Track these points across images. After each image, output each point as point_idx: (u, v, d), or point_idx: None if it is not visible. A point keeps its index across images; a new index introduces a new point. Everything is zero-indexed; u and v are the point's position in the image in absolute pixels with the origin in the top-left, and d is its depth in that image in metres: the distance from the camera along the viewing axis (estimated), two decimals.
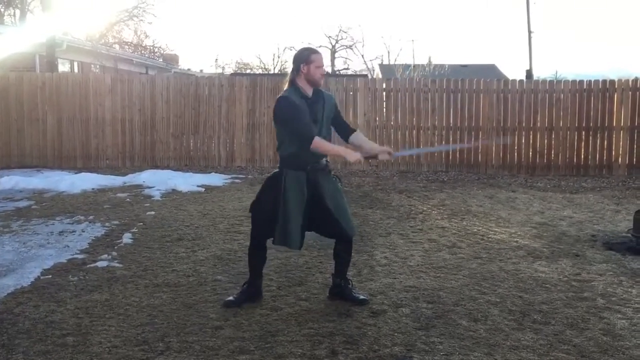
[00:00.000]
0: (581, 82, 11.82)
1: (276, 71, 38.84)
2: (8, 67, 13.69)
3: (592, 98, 11.68)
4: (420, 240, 6.28)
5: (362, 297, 4.33)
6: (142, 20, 33.74)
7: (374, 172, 11.76)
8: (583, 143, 11.73)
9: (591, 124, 11.68)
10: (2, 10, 30.44)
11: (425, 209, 8.09)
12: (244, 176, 11.14)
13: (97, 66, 20.59)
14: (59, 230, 6.63)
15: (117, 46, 31.14)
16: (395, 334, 3.79)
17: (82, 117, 12.32)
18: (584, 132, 11.72)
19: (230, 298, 4.29)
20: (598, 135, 11.69)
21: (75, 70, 18.99)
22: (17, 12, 30.42)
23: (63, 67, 17.83)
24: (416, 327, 3.90)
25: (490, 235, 6.51)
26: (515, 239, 6.35)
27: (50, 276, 4.91)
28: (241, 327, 3.86)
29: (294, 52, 4.42)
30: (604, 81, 11.81)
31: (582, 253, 5.78)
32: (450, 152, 11.93)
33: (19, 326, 3.85)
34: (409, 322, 3.98)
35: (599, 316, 4.11)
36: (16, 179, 9.87)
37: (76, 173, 10.95)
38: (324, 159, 4.21)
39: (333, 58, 44.67)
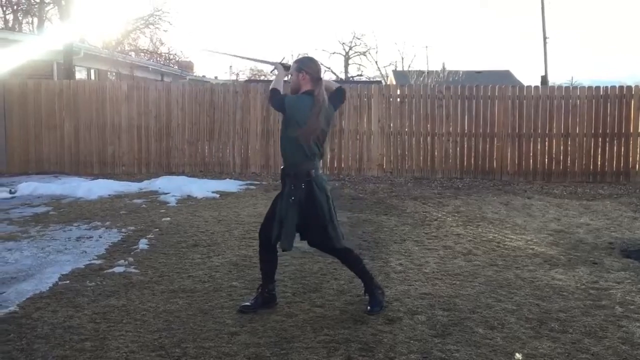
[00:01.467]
0: (597, 88, 11.72)
1: None
2: (26, 75, 13.88)
3: (609, 104, 11.59)
4: (436, 247, 6.26)
5: (376, 307, 4.27)
6: (158, 28, 34.15)
7: (389, 178, 11.75)
8: (600, 149, 11.64)
9: (608, 131, 11.59)
10: (21, 18, 30.93)
11: (440, 215, 8.06)
12: (258, 182, 11.18)
13: (114, 73, 20.81)
14: (77, 236, 6.69)
15: (133, 54, 31.46)
16: (411, 341, 3.78)
17: (99, 123, 12.47)
18: (600, 139, 11.63)
19: (246, 304, 4.32)
20: (615, 141, 11.59)
21: (92, 77, 19.21)
22: (35, 20, 30.91)
23: (80, 74, 18.04)
24: (432, 334, 3.89)
25: (506, 243, 6.47)
26: (531, 246, 6.31)
27: (68, 281, 4.95)
28: (257, 333, 3.87)
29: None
30: (621, 87, 11.70)
31: (600, 261, 5.72)
32: (465, 159, 11.89)
33: (37, 331, 3.90)
34: (425, 329, 3.97)
35: (618, 325, 4.07)
36: (34, 184, 9.99)
37: (93, 179, 11.05)
38: (300, 169, 4.18)
39: (347, 64, 44.78)
